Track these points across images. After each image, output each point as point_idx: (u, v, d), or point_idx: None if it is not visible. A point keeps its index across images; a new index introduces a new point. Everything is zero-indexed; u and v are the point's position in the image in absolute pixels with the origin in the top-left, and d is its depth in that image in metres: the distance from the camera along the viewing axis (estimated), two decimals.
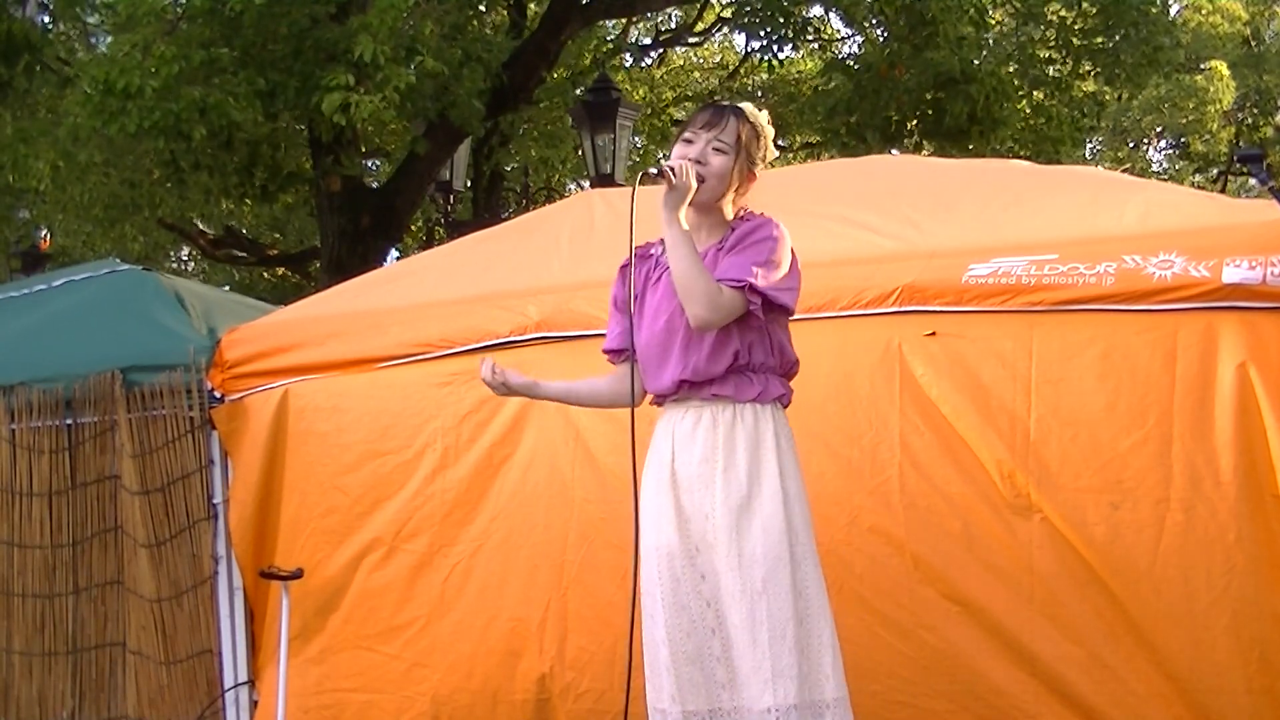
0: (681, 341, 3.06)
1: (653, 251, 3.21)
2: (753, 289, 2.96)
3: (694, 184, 3.02)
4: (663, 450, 3.09)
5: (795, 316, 3.22)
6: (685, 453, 3.05)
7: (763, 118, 3.20)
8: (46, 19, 10.32)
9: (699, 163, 3.07)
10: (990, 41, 11.30)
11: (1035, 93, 10.96)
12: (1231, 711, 3.38)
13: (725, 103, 3.31)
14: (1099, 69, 10.98)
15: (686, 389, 3.07)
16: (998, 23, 11.59)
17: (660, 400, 3.17)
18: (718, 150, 3.09)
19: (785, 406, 3.13)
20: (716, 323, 2.98)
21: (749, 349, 3.04)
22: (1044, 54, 11.10)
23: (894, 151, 10.31)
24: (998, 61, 10.77)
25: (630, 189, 3.20)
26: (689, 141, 3.12)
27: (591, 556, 4.09)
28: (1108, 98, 11.99)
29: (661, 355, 3.10)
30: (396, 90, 8.34)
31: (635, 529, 3.11)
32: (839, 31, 12.00)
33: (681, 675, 2.98)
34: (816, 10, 11.45)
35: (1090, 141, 17.74)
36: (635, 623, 3.09)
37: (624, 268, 3.27)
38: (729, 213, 3.16)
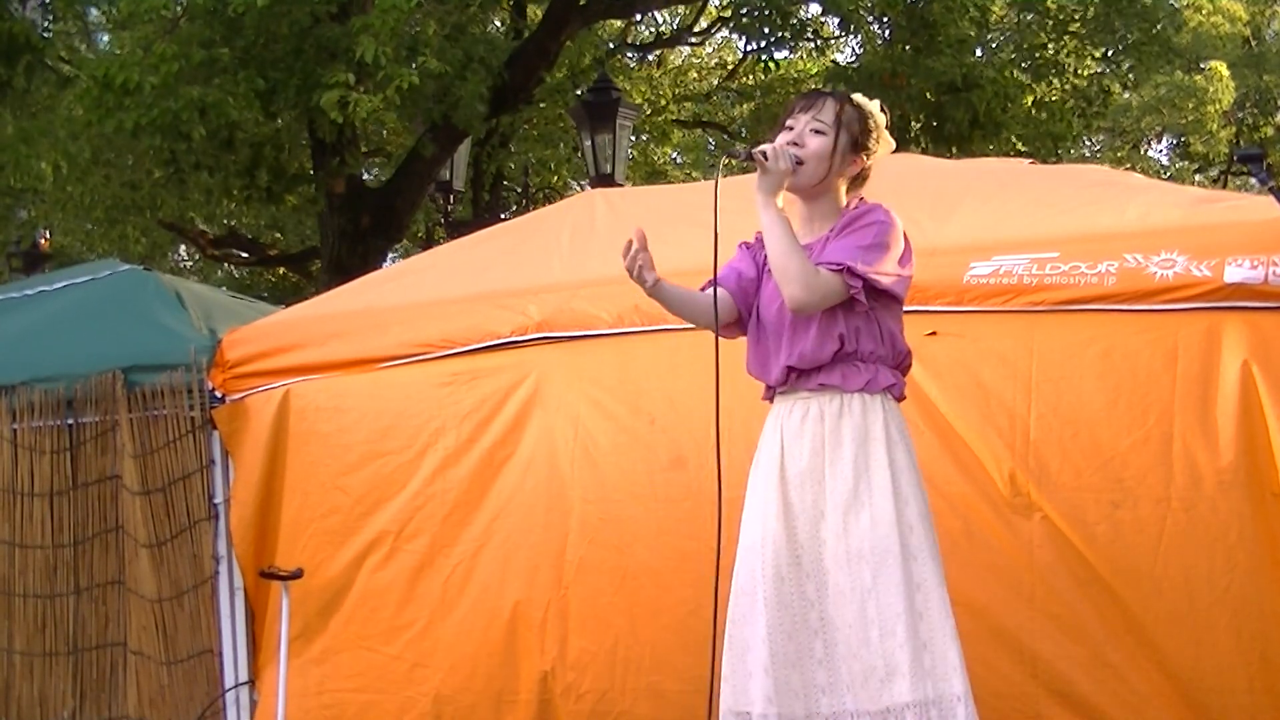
0: (789, 330, 3.00)
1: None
2: (851, 272, 2.89)
3: (789, 166, 2.96)
4: (772, 445, 3.02)
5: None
6: (794, 447, 2.98)
7: (874, 105, 3.13)
8: (47, 19, 10.30)
9: (796, 144, 3.01)
10: (993, 43, 11.29)
11: (1038, 86, 10.94)
12: (1233, 711, 3.38)
13: (826, 89, 3.25)
14: (1103, 46, 10.94)
15: (794, 378, 3.00)
16: (999, 19, 11.58)
17: (770, 394, 3.09)
18: (816, 131, 3.03)
19: (899, 399, 3.04)
20: (813, 305, 2.91)
21: (855, 336, 2.96)
22: (1043, 39, 11.05)
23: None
24: (1001, 65, 10.77)
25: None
26: (789, 128, 3.06)
27: (591, 557, 4.09)
28: (1114, 89, 11.96)
29: (772, 345, 3.04)
30: (399, 90, 8.33)
31: (718, 520, 3.00)
32: (837, 34, 11.98)
33: (779, 678, 2.88)
34: (814, 9, 11.45)
35: (1091, 140, 17.73)
36: (718, 624, 2.99)
37: (744, 246, 3.19)
38: (842, 201, 3.09)
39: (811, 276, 2.88)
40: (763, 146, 2.99)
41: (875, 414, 2.96)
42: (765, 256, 3.04)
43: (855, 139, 3.07)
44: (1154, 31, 10.52)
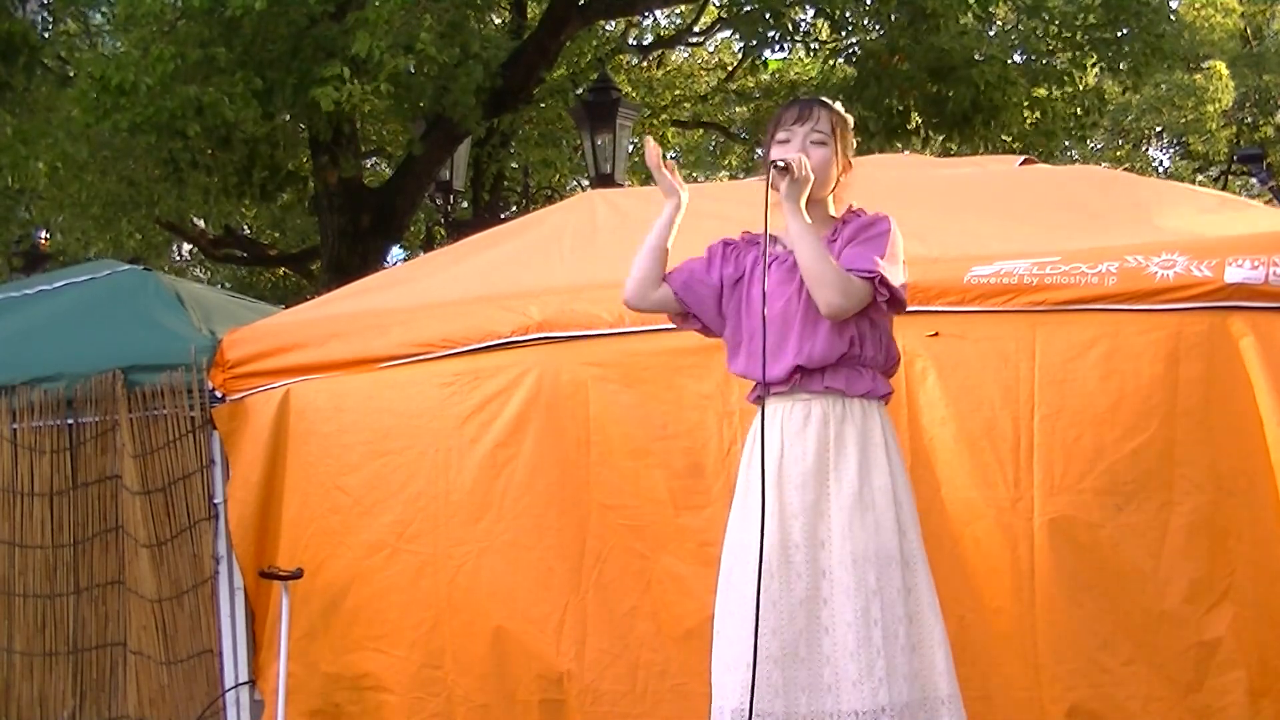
0: (797, 329, 3.02)
1: (758, 240, 3.14)
2: (883, 281, 2.96)
3: (809, 176, 3.01)
4: (770, 445, 3.03)
5: None
6: (796, 448, 3.00)
7: (839, 108, 3.20)
8: (47, 18, 10.30)
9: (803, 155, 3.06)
10: (992, 33, 11.27)
11: (1037, 89, 10.94)
12: (1234, 713, 3.38)
13: (806, 97, 3.31)
14: (1102, 60, 10.96)
15: (800, 378, 3.02)
16: (1000, 19, 11.57)
17: (765, 391, 3.08)
18: (816, 143, 3.09)
19: (886, 404, 3.11)
20: (849, 309, 2.96)
21: (862, 341, 3.02)
22: (1046, 46, 11.06)
23: (897, 145, 10.29)
24: (1001, 49, 10.74)
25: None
26: (784, 141, 3.11)
27: (613, 561, 4.07)
28: (1110, 91, 11.96)
29: (773, 345, 3.04)
30: (391, 80, 8.32)
31: (762, 518, 2.98)
32: (832, 37, 11.95)
33: (761, 674, 2.91)
34: (808, 13, 11.42)
35: (1091, 140, 17.72)
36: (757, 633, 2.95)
37: (728, 244, 3.23)
38: (831, 207, 3.15)
39: (846, 283, 2.95)
40: (789, 157, 3.02)
41: (874, 420, 3.03)
42: (754, 259, 3.10)
43: (845, 147, 3.15)
44: (1155, 41, 10.51)
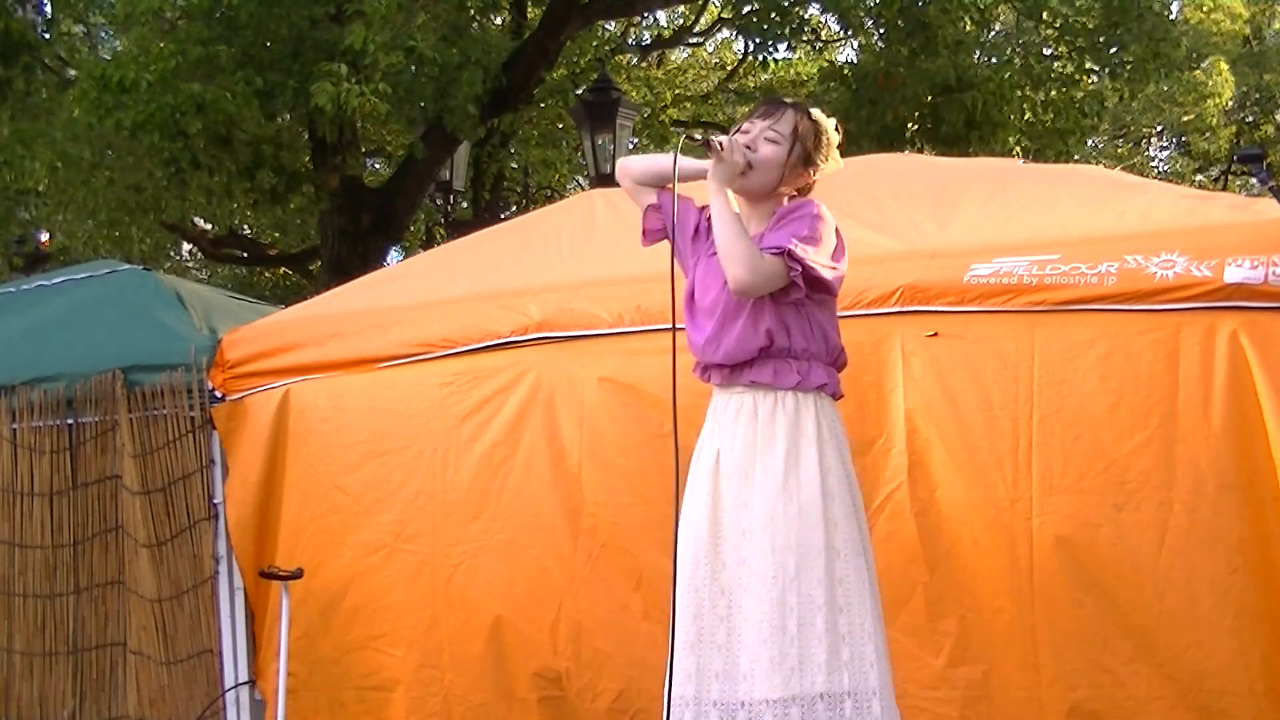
0: (716, 323, 3.06)
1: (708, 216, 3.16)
2: (791, 255, 2.95)
3: (741, 161, 3.03)
4: (710, 436, 3.10)
5: None
6: (729, 439, 3.05)
7: (829, 123, 3.18)
8: (47, 18, 10.30)
9: (749, 148, 3.07)
10: (989, 42, 11.29)
11: (1038, 93, 10.94)
12: (1235, 713, 3.38)
13: (788, 99, 3.29)
14: (1102, 66, 10.97)
15: (726, 373, 3.06)
16: (999, 21, 11.58)
17: (704, 374, 3.15)
18: (770, 140, 3.09)
19: (837, 398, 3.11)
20: (756, 287, 2.96)
21: (786, 331, 3.02)
22: (1047, 51, 11.09)
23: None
24: (997, 66, 10.76)
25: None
26: (745, 131, 3.12)
27: (604, 559, 4.07)
28: (1109, 93, 11.96)
29: (707, 333, 3.09)
30: (388, 79, 8.31)
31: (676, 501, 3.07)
32: (837, 33, 11.97)
33: (680, 659, 2.98)
34: (814, 10, 11.44)
35: (1091, 140, 17.72)
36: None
37: (654, 205, 3.24)
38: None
39: (756, 259, 2.95)
40: (720, 138, 3.05)
41: (808, 412, 3.03)
42: (710, 239, 3.10)
43: (808, 153, 3.14)
44: (1155, 48, 10.51)
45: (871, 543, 3.11)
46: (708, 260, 3.12)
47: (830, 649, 2.91)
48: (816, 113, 3.19)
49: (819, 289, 3.03)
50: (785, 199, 3.15)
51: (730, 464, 3.03)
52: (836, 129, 3.20)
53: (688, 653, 2.99)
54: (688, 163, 3.14)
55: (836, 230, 3.08)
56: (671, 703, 2.99)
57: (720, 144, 3.02)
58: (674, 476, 3.08)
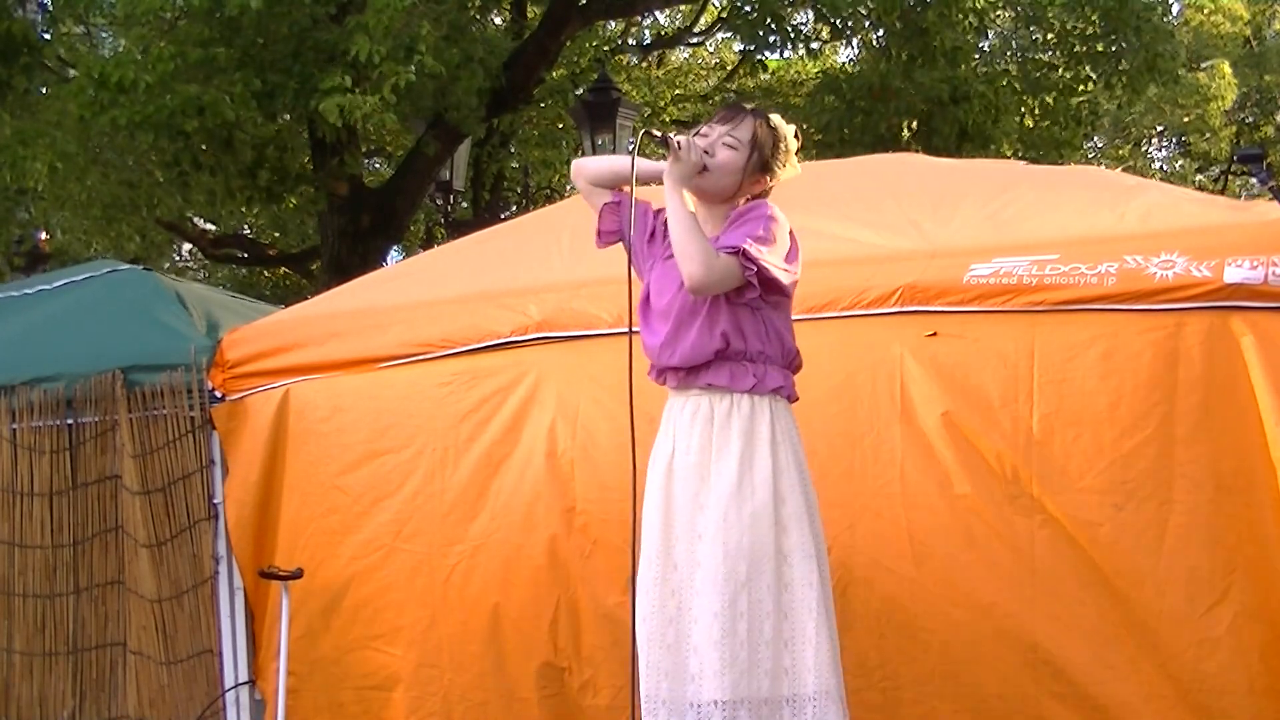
0: (672, 326, 3.07)
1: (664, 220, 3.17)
2: (746, 255, 2.95)
3: (698, 161, 3.04)
4: (665, 438, 3.12)
5: (796, 317, 3.21)
6: (684, 442, 3.07)
7: (788, 130, 3.19)
8: (46, 16, 10.30)
9: (706, 153, 3.09)
10: (987, 49, 11.29)
11: (1034, 100, 10.96)
12: (1234, 712, 3.38)
13: (749, 105, 3.30)
14: (1098, 74, 10.98)
15: (682, 376, 3.08)
16: (996, 24, 11.58)
17: (660, 377, 3.17)
18: (728, 145, 3.10)
19: (792, 401, 3.12)
20: (712, 285, 2.97)
21: (742, 334, 3.03)
22: (1045, 57, 11.10)
23: None
24: (993, 76, 10.78)
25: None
26: (704, 135, 3.13)
27: (597, 556, 4.08)
28: (1105, 101, 11.99)
29: (667, 338, 3.09)
30: (395, 90, 8.32)
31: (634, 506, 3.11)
32: (831, 41, 11.94)
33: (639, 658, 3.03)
34: (809, 15, 11.41)
35: (1091, 140, 17.72)
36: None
37: (611, 204, 3.27)
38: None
39: (711, 257, 2.96)
40: (678, 136, 3.07)
41: (763, 415, 3.04)
42: (666, 242, 3.11)
43: (765, 160, 3.14)
44: (1152, 59, 10.52)
45: (826, 545, 3.11)
46: (663, 264, 3.13)
47: (775, 656, 2.95)
48: (776, 119, 3.19)
49: (773, 290, 3.04)
50: (741, 202, 3.16)
51: (685, 466, 3.05)
52: (796, 136, 3.21)
53: (642, 651, 3.03)
54: (644, 165, 3.16)
55: (791, 233, 3.09)
56: (640, 700, 3.03)
57: (679, 143, 3.04)
58: (632, 479, 3.09)
